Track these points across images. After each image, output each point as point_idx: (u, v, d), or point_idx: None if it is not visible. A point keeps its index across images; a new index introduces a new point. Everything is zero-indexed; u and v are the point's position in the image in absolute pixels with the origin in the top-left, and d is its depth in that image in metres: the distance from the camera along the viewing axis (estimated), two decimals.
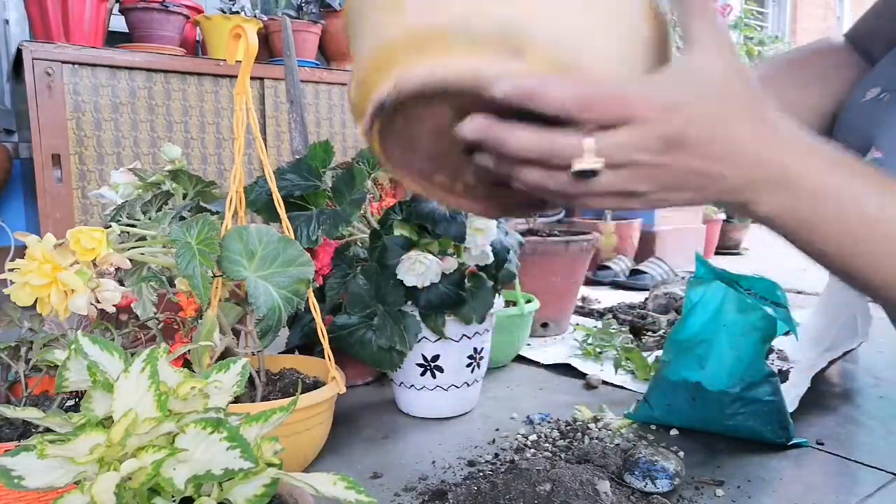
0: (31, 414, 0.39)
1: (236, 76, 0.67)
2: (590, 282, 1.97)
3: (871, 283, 0.41)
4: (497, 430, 0.86)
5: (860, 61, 0.64)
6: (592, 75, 0.35)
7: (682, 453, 0.76)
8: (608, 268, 2.02)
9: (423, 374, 0.87)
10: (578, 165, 0.35)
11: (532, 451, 0.78)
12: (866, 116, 0.53)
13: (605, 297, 1.71)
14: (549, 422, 0.87)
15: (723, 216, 2.91)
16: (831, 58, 0.65)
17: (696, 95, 0.37)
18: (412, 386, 0.88)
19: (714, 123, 0.38)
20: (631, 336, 1.22)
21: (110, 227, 0.64)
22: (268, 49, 2.29)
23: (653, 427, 0.85)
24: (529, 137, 0.36)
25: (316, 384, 0.76)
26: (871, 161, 0.50)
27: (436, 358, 0.86)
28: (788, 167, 0.39)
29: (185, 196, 0.82)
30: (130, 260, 0.64)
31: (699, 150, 0.38)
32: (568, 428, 0.85)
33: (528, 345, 1.21)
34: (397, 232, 0.84)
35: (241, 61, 0.66)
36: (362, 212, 0.88)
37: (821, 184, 0.39)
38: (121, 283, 0.70)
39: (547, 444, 0.80)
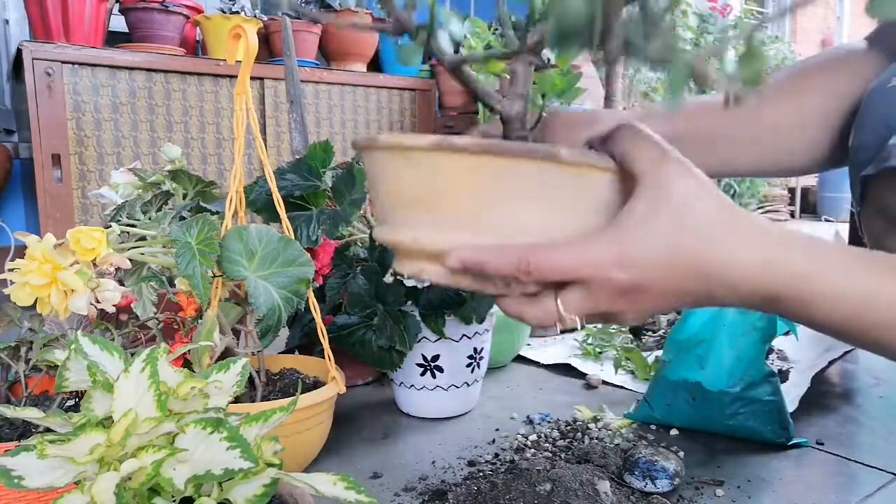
0: (31, 414, 0.39)
1: (236, 76, 0.67)
2: None
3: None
4: (497, 430, 0.86)
5: (884, 61, 0.62)
6: (529, 242, 0.38)
7: (682, 453, 0.76)
8: None
9: (423, 374, 0.87)
10: (558, 327, 0.41)
11: (532, 451, 0.78)
12: (891, 103, 0.53)
13: None
14: (549, 422, 0.87)
15: None
16: (852, 62, 0.64)
17: (641, 240, 0.37)
18: (412, 386, 0.88)
19: (670, 265, 0.37)
20: (631, 336, 1.22)
21: (110, 227, 0.64)
22: (268, 49, 2.29)
23: (653, 427, 0.85)
24: (510, 306, 0.41)
25: (316, 384, 0.76)
26: (895, 146, 0.49)
27: (436, 358, 0.86)
28: (779, 288, 0.38)
29: (185, 196, 0.82)
30: (130, 260, 0.64)
31: (667, 290, 0.38)
32: (568, 428, 0.85)
33: (528, 345, 1.21)
34: None
35: (241, 61, 0.66)
36: (362, 212, 0.88)
37: (818, 291, 0.38)
38: (121, 283, 0.70)
39: (547, 444, 0.80)
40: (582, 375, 1.06)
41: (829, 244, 0.39)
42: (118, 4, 1.97)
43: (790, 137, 0.63)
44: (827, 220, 4.38)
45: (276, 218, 0.74)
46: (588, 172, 0.38)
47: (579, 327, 0.40)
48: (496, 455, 0.78)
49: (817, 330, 0.41)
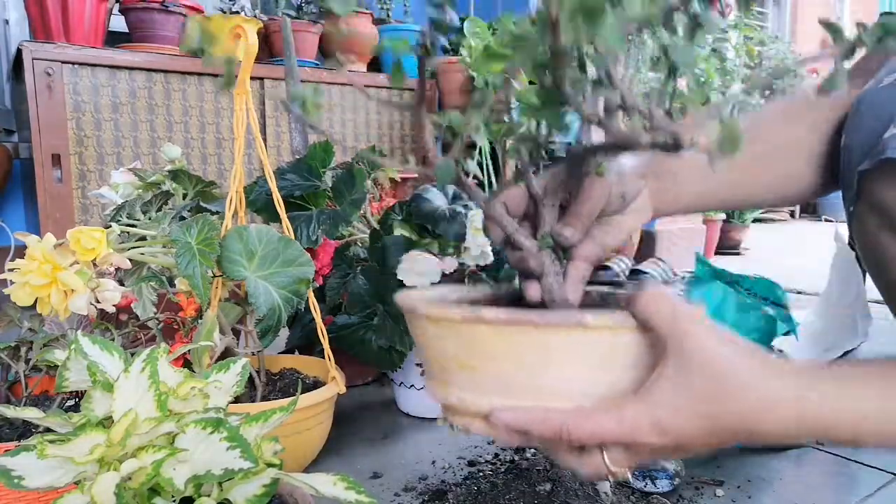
0: (31, 414, 0.40)
1: (236, 76, 0.67)
2: (590, 282, 1.97)
3: None
4: None
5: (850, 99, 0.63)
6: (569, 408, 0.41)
7: None
8: (608, 268, 2.01)
9: (423, 373, 0.87)
10: (610, 479, 0.43)
11: (532, 451, 0.78)
12: (886, 99, 0.53)
13: None
14: None
15: (722, 216, 2.91)
16: (821, 102, 0.65)
17: (675, 409, 0.39)
18: (412, 386, 0.88)
19: (706, 428, 0.40)
20: None
21: (110, 227, 0.64)
22: (268, 49, 2.29)
23: None
24: (561, 458, 0.43)
25: (316, 384, 0.76)
26: (891, 137, 0.49)
27: None
28: (819, 423, 0.40)
29: (185, 196, 0.82)
30: (130, 260, 0.64)
31: (707, 444, 0.41)
32: None
33: None
34: (397, 232, 0.84)
35: (241, 61, 0.66)
36: (362, 212, 0.88)
37: (849, 434, 0.40)
38: (121, 283, 0.70)
39: None
40: None
41: (856, 369, 0.42)
42: (118, 4, 1.97)
43: (788, 165, 0.64)
44: (827, 220, 4.38)
45: (276, 218, 0.74)
46: (615, 334, 0.41)
47: (630, 478, 0.44)
48: (496, 455, 0.78)
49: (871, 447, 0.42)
